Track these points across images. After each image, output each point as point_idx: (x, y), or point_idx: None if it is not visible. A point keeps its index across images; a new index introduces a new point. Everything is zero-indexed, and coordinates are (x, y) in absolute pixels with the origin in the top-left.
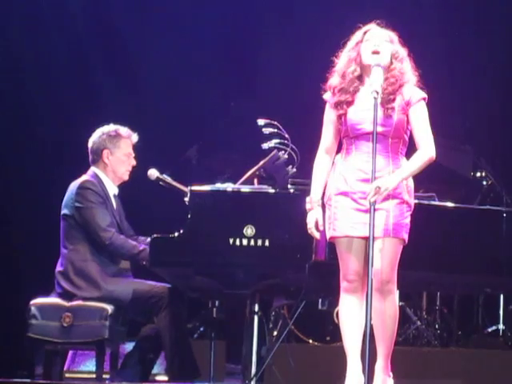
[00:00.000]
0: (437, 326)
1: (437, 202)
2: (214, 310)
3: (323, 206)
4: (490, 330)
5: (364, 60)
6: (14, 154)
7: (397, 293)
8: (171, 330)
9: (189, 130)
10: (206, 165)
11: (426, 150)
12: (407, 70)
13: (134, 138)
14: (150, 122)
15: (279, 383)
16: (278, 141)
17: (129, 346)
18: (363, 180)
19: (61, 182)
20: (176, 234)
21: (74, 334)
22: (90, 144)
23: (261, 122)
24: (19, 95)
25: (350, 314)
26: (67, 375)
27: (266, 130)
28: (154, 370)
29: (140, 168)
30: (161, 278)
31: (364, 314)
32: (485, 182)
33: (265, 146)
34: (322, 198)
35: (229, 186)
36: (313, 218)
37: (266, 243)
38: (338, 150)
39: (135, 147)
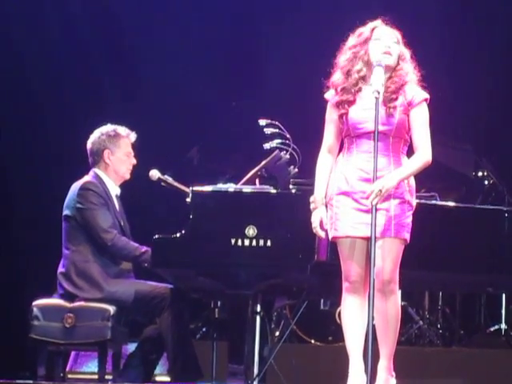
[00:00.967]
0: (439, 326)
1: (438, 202)
2: (216, 310)
3: (325, 206)
4: (492, 329)
5: (373, 59)
6: (15, 154)
7: (399, 292)
8: (173, 331)
9: (190, 131)
10: (207, 165)
11: (424, 153)
12: (410, 70)
13: (133, 136)
14: (152, 123)
15: (281, 383)
16: (279, 141)
17: (131, 347)
18: (364, 179)
19: (63, 182)
20: (178, 235)
21: (77, 334)
22: (89, 146)
23: (262, 122)
24: (20, 96)
25: (352, 315)
26: (70, 376)
27: (268, 131)
28: (157, 371)
29: (142, 169)
30: (163, 278)
31: (366, 314)
32: (486, 182)
33: (266, 146)
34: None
35: (230, 187)
36: (317, 217)
37: (268, 243)
38: (340, 150)
39: (134, 146)
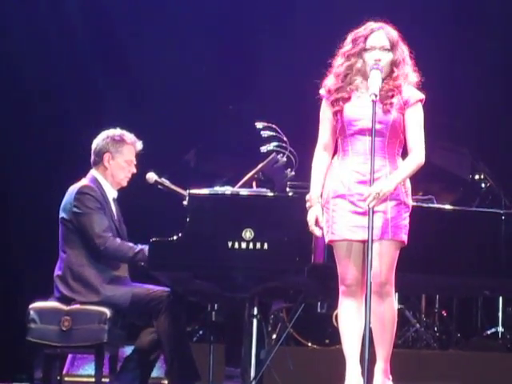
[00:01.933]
0: (436, 329)
1: (435, 205)
2: (213, 313)
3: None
4: (489, 332)
5: (368, 71)
6: (11, 157)
7: (395, 295)
8: (170, 334)
9: (187, 134)
10: (204, 168)
11: (418, 155)
12: (408, 73)
13: (139, 145)
14: (149, 125)
15: None
16: (276, 144)
17: (128, 350)
18: (361, 182)
19: (60, 184)
20: (175, 238)
21: (73, 337)
22: (93, 145)
23: (259, 125)
24: (18, 97)
25: (349, 318)
26: (66, 379)
27: (265, 133)
28: (154, 374)
29: (139, 172)
30: (160, 281)
31: (363, 317)
32: (483, 185)
33: (263, 149)
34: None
35: (227, 190)
36: (313, 215)
37: (265, 246)
38: (335, 151)
39: (138, 155)
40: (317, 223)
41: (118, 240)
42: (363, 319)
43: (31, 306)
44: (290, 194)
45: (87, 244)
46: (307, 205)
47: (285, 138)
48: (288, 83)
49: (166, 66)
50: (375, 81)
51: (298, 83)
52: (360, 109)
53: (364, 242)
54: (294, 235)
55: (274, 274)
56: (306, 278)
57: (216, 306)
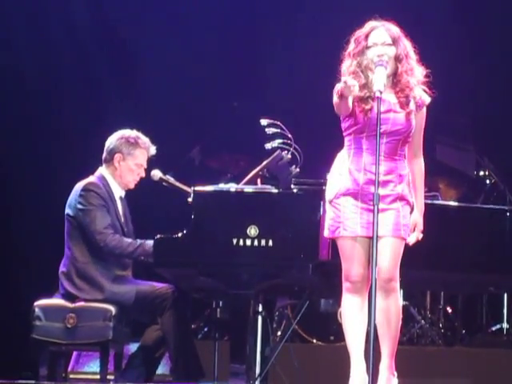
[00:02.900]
0: (441, 325)
1: (440, 201)
2: (218, 310)
3: (324, 204)
4: (494, 328)
5: (373, 68)
6: (15, 155)
7: (400, 291)
8: (175, 331)
9: (192, 131)
10: (209, 165)
11: (422, 161)
12: (414, 67)
13: (152, 150)
14: (153, 123)
15: (283, 383)
16: (281, 141)
17: (133, 347)
18: (372, 181)
19: (66, 180)
20: (179, 235)
21: (78, 335)
22: (107, 143)
23: (264, 122)
24: (24, 94)
25: (354, 314)
26: (71, 376)
27: (269, 130)
28: (159, 371)
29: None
30: (164, 278)
31: (367, 314)
32: (488, 181)
33: (268, 146)
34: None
35: (232, 187)
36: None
37: (270, 243)
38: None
39: (150, 160)
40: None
41: (118, 236)
42: (367, 316)
43: (36, 303)
44: (295, 190)
45: (89, 241)
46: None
47: (289, 135)
48: (293, 80)
49: (171, 63)
50: (380, 77)
51: (303, 80)
52: (386, 113)
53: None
54: (298, 232)
55: (279, 271)
56: (310, 274)
57: (221, 303)
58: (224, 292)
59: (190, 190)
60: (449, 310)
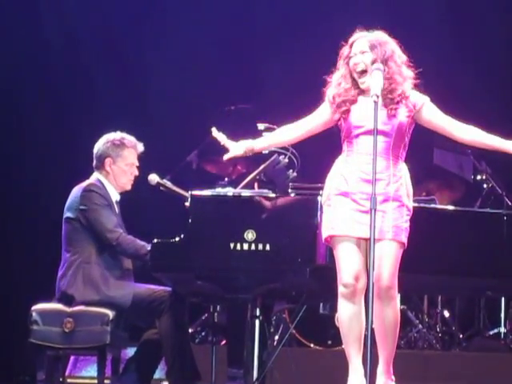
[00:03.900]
0: (438, 329)
1: (437, 205)
2: (215, 314)
3: (321, 208)
4: (491, 332)
5: (355, 77)
6: (13, 158)
7: (398, 297)
8: (172, 334)
9: (189, 135)
10: (206, 169)
11: (471, 126)
12: (395, 69)
13: (140, 147)
14: (151, 127)
15: None
16: None
17: (130, 351)
18: (364, 180)
19: (62, 186)
20: (177, 239)
21: (76, 339)
22: (94, 149)
23: (261, 126)
24: (21, 98)
25: (350, 319)
26: (69, 380)
27: (266, 134)
28: (155, 375)
29: (140, 173)
30: (162, 282)
31: (364, 318)
32: (485, 185)
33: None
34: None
35: (229, 191)
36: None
37: (267, 247)
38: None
39: (140, 157)
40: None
41: (131, 237)
42: (364, 320)
43: (34, 307)
44: (292, 195)
45: (95, 240)
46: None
47: None
48: (289, 84)
49: (168, 66)
50: (377, 81)
51: (299, 83)
52: (364, 111)
53: (365, 239)
54: (296, 236)
55: (276, 275)
56: (308, 279)
57: (218, 307)
58: (221, 296)
59: (187, 194)
60: (446, 314)
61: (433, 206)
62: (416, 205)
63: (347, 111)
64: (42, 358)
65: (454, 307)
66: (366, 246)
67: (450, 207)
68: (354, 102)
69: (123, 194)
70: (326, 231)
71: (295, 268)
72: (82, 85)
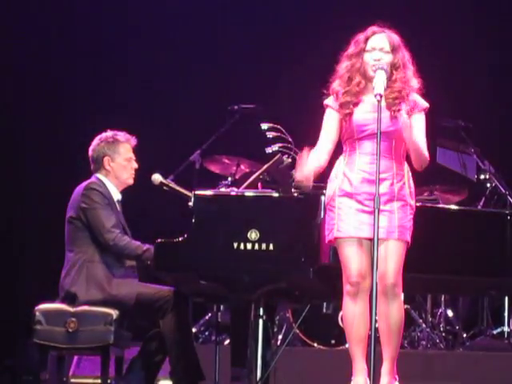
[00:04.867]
0: (442, 329)
1: (440, 205)
2: (219, 314)
3: (324, 209)
4: (495, 332)
5: (369, 72)
6: (17, 158)
7: (402, 295)
8: (176, 334)
9: (192, 135)
10: (209, 169)
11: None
12: (409, 77)
13: (133, 141)
14: (154, 127)
15: None
16: (281, 145)
17: (134, 351)
18: (367, 181)
19: (65, 186)
20: (180, 239)
21: (79, 339)
22: (90, 153)
23: (264, 125)
24: (20, 100)
25: (355, 318)
26: (72, 380)
27: (270, 134)
28: (158, 374)
29: (144, 173)
30: (166, 282)
31: (368, 317)
32: (489, 185)
33: (268, 150)
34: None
35: (232, 191)
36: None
37: (271, 247)
38: (340, 153)
39: (135, 150)
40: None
41: (127, 237)
42: (369, 319)
43: (37, 307)
44: (295, 194)
45: (95, 239)
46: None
47: (290, 139)
48: (293, 83)
49: (171, 66)
50: (380, 81)
51: (302, 83)
52: (368, 113)
53: (370, 239)
54: (299, 236)
55: (280, 275)
56: (311, 278)
57: (222, 307)
58: (225, 296)
59: (190, 194)
60: (450, 313)
61: (436, 205)
62: (419, 204)
63: (350, 114)
64: (46, 357)
65: (458, 306)
66: (371, 245)
67: (454, 206)
68: (357, 103)
69: (126, 194)
70: (330, 233)
71: (299, 268)
72: (83, 85)
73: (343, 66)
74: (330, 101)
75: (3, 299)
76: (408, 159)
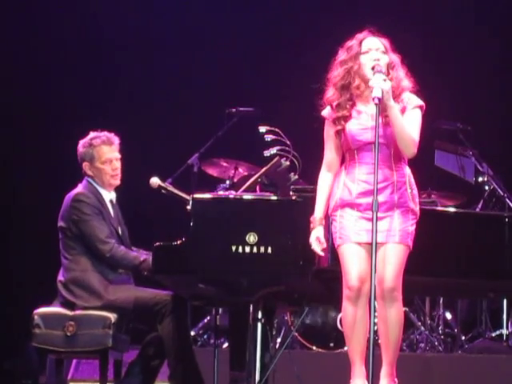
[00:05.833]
0: (440, 332)
1: (439, 208)
2: (217, 317)
3: (327, 218)
4: (493, 334)
5: (367, 73)
6: (15, 161)
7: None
8: (174, 338)
9: (190, 138)
10: (207, 172)
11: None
12: (402, 78)
13: (113, 139)
14: (152, 130)
15: None
16: (279, 148)
17: (132, 355)
18: (368, 191)
19: (61, 190)
20: (178, 242)
21: (78, 342)
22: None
23: (262, 128)
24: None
25: (354, 322)
26: None
27: (268, 137)
28: (157, 378)
29: (142, 176)
30: (164, 285)
31: (367, 320)
32: (487, 187)
33: (266, 153)
34: (325, 216)
35: (231, 194)
36: (314, 236)
37: (269, 250)
38: (342, 163)
39: (120, 149)
40: (318, 242)
41: (123, 248)
42: (368, 322)
43: (35, 311)
44: (294, 197)
45: (89, 250)
46: (311, 226)
47: (288, 142)
48: (291, 86)
49: (170, 69)
50: (377, 84)
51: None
52: (361, 124)
53: (370, 244)
54: (297, 239)
55: (278, 278)
56: (310, 281)
57: (220, 310)
58: (223, 299)
59: (188, 197)
60: (448, 316)
61: (434, 207)
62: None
63: (342, 129)
64: (45, 361)
65: (456, 309)
66: (371, 250)
67: (452, 209)
68: (350, 116)
69: (124, 197)
70: (334, 241)
71: (297, 271)
72: (82, 87)
73: (335, 74)
74: (326, 112)
75: (2, 303)
76: (408, 162)
